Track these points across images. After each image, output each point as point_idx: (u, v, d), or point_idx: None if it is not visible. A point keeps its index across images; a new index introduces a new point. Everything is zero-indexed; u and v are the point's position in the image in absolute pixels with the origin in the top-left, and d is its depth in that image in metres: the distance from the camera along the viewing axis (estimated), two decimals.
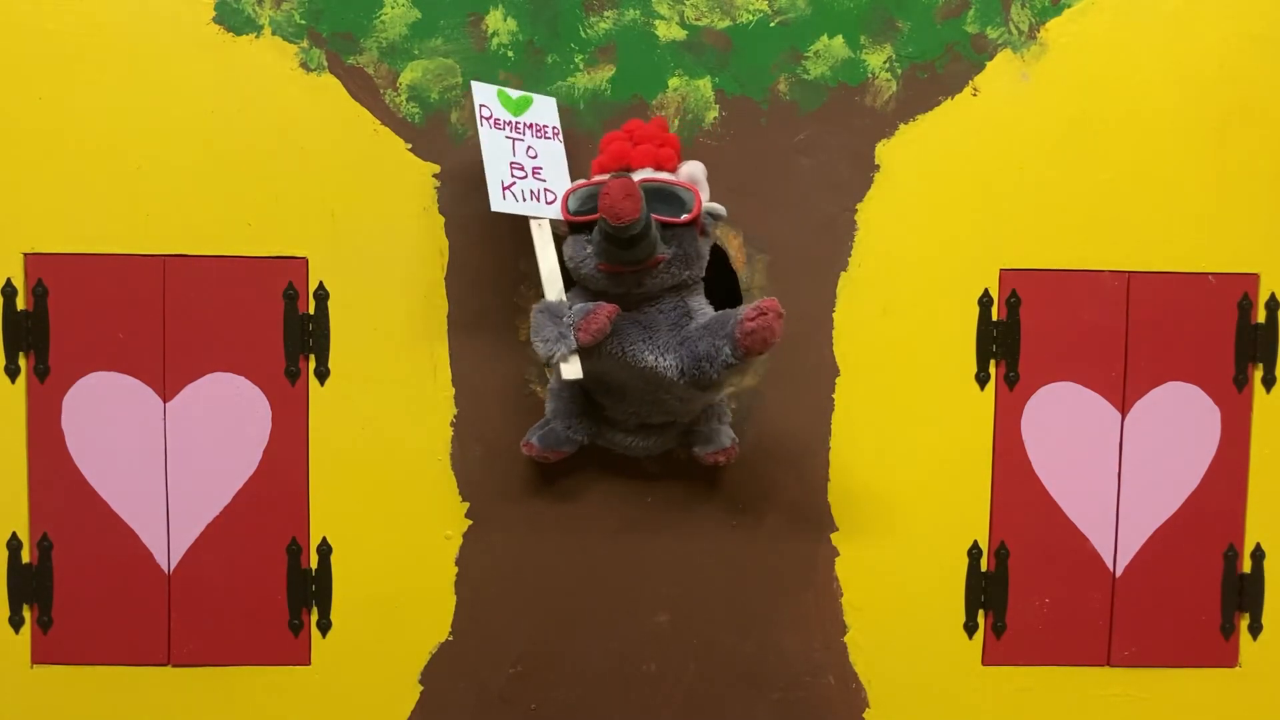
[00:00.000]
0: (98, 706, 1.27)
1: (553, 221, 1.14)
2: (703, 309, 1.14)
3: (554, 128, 1.20)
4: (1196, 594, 1.31)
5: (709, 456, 1.21)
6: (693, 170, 1.13)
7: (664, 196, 1.09)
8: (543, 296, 1.11)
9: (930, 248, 1.27)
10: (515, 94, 1.19)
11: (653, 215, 1.04)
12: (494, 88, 1.18)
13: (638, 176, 1.09)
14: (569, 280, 1.14)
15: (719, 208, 1.15)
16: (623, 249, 1.03)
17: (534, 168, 1.16)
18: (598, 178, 1.13)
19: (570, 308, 1.07)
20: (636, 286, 1.09)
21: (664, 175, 1.11)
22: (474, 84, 1.17)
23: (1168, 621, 1.31)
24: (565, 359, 1.05)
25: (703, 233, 1.13)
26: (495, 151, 1.14)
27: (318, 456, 1.26)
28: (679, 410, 1.17)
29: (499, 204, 1.13)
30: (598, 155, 1.16)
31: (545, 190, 1.15)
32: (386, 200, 1.24)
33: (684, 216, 1.09)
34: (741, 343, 1.01)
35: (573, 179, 1.19)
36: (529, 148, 1.17)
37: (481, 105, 1.15)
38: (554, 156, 1.19)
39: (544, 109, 1.20)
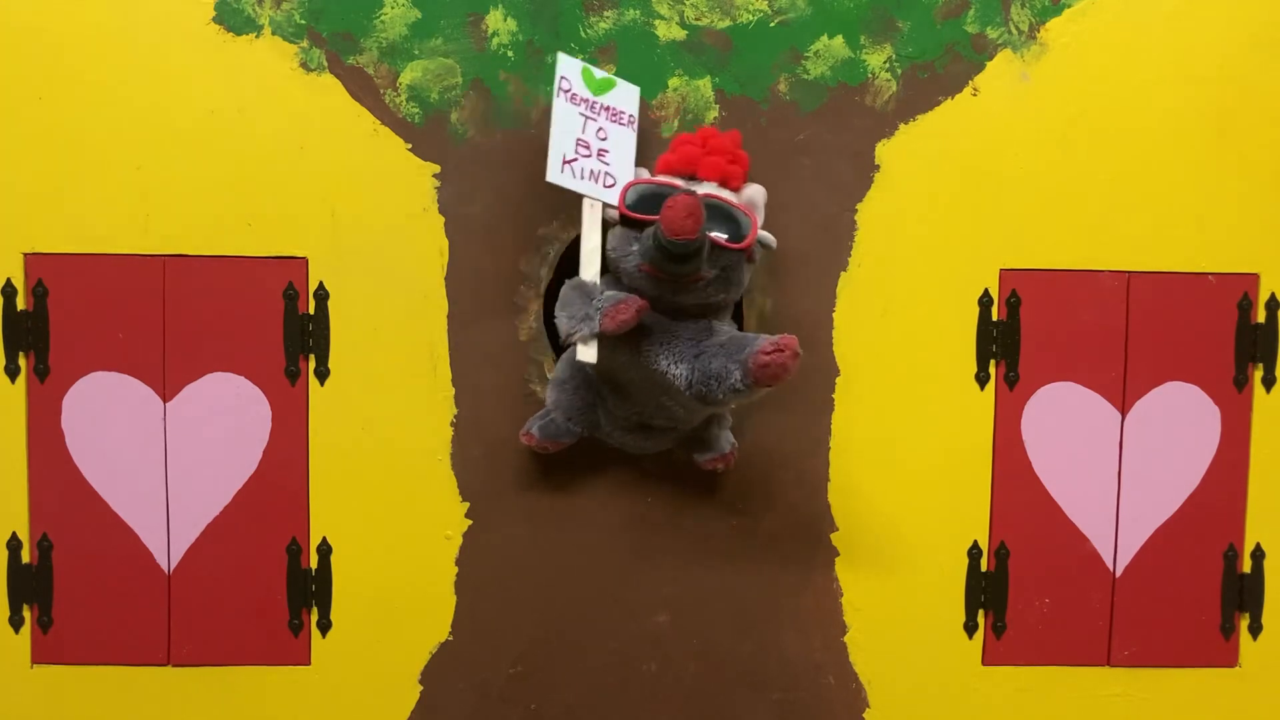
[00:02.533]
0: (98, 706, 1.27)
1: (604, 206, 1.14)
2: (724, 329, 1.13)
3: (630, 115, 1.20)
4: (1196, 594, 1.31)
5: (707, 462, 1.21)
6: (753, 195, 1.13)
7: (723, 216, 1.09)
8: (574, 276, 1.11)
9: (930, 248, 1.27)
10: (599, 74, 1.18)
11: (708, 234, 1.04)
12: (580, 63, 1.17)
13: (702, 189, 1.09)
14: (604, 268, 1.13)
15: (771, 239, 1.14)
16: (672, 262, 1.03)
17: (600, 149, 1.15)
18: (661, 178, 1.13)
19: (602, 292, 1.07)
20: (672, 295, 1.09)
21: (726, 194, 1.11)
22: (560, 55, 1.16)
23: (1168, 621, 1.31)
24: (585, 340, 1.05)
25: (750, 259, 1.13)
26: (565, 124, 1.14)
27: (318, 456, 1.26)
28: (681, 418, 1.17)
29: (556, 176, 1.12)
30: (665, 151, 1.16)
31: (606, 174, 1.15)
32: (386, 200, 1.24)
33: (739, 243, 1.09)
34: (753, 373, 1.01)
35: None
36: (600, 129, 1.16)
37: (563, 78, 1.15)
38: (623, 143, 1.18)
39: (625, 95, 1.20)
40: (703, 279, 1.08)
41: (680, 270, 1.05)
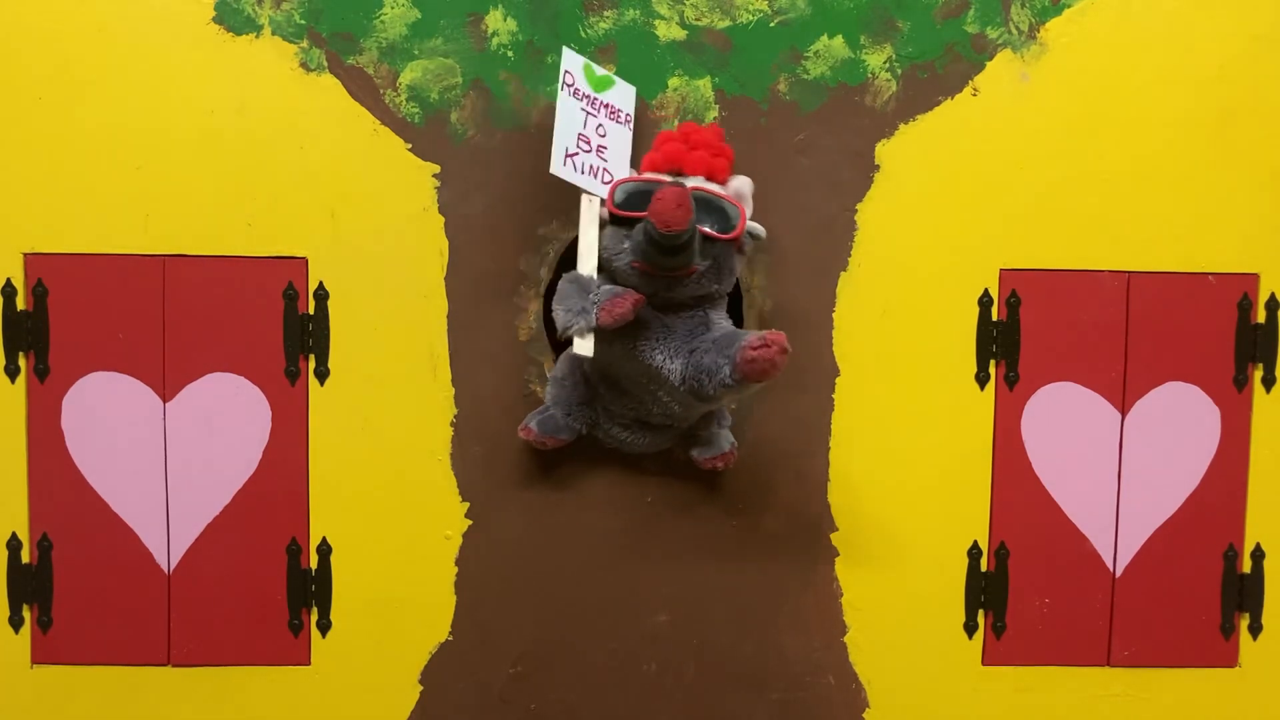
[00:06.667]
0: (98, 706, 1.27)
1: (600, 202, 1.15)
2: (720, 323, 1.14)
3: (627, 114, 1.21)
4: (1196, 594, 1.31)
5: (707, 461, 1.21)
6: (740, 186, 1.13)
7: (711, 208, 1.09)
8: (572, 271, 1.12)
9: (930, 248, 1.27)
10: (600, 71, 1.20)
11: (697, 227, 1.05)
12: (582, 60, 1.19)
13: (689, 183, 1.09)
14: (600, 266, 1.14)
15: (760, 229, 1.15)
16: (662, 255, 1.04)
17: (599, 145, 1.17)
18: (648, 175, 1.13)
19: (599, 286, 1.08)
20: (665, 290, 1.09)
21: (714, 186, 1.11)
22: (565, 50, 1.17)
23: (1168, 621, 1.31)
24: (582, 334, 1.06)
25: (740, 250, 1.14)
26: (568, 118, 1.15)
27: (318, 456, 1.26)
28: (678, 414, 1.17)
29: (559, 169, 1.13)
30: (649, 151, 1.16)
31: (604, 170, 1.16)
32: (386, 200, 1.24)
33: (728, 234, 1.09)
34: (740, 368, 1.01)
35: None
36: (599, 126, 1.17)
37: (567, 72, 1.16)
38: (620, 141, 1.19)
39: (623, 94, 1.21)
40: (695, 271, 1.08)
41: (672, 263, 1.05)
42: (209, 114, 1.22)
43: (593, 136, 1.16)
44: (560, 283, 1.11)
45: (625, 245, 1.09)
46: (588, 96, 1.17)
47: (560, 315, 1.07)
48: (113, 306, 1.23)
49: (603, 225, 1.15)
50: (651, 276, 1.08)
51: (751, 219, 1.14)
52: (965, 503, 1.29)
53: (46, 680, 1.27)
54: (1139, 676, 1.32)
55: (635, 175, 1.16)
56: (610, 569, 1.28)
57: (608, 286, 1.08)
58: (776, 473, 1.28)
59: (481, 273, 1.25)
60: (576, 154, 1.14)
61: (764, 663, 1.30)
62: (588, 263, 1.12)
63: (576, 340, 1.06)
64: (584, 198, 1.14)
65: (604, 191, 1.15)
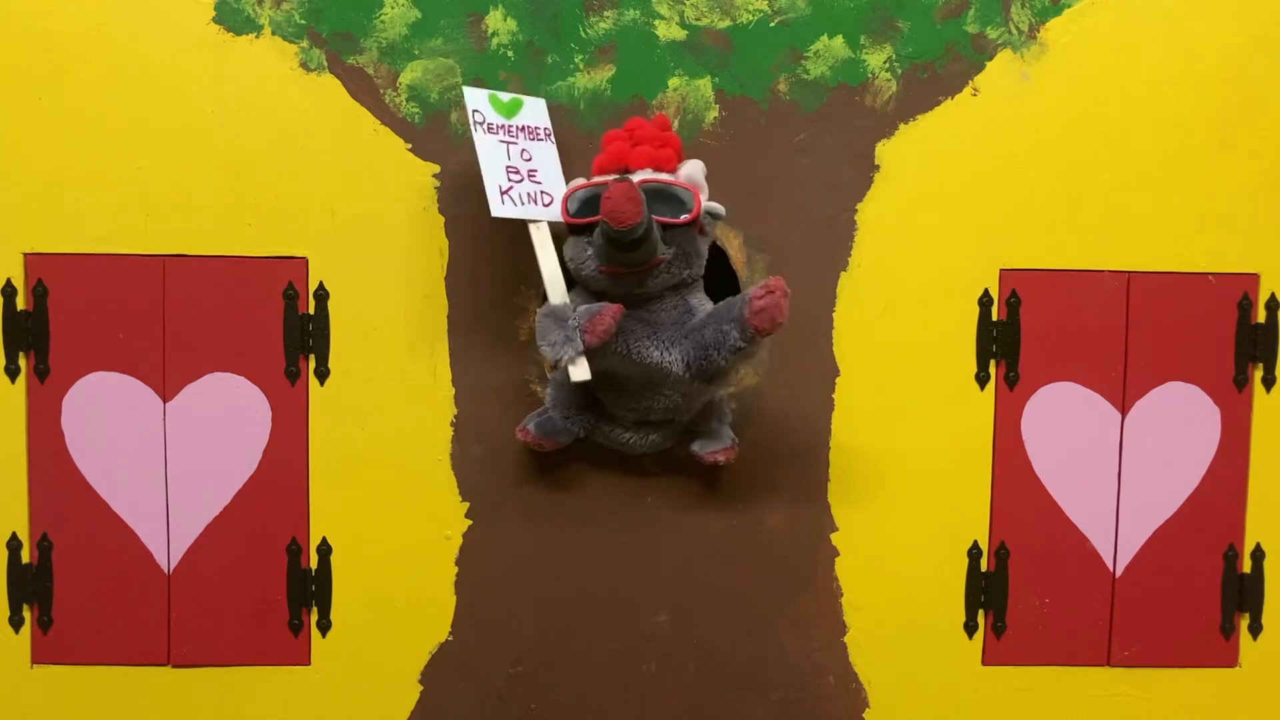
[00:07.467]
0: (98, 706, 1.27)
1: (552, 223, 1.14)
2: (703, 306, 1.15)
3: (545, 129, 1.20)
4: (1196, 594, 1.31)
5: (709, 456, 1.21)
6: (692, 171, 1.13)
7: (664, 197, 1.09)
8: (544, 299, 1.11)
9: (930, 248, 1.27)
10: (506, 97, 1.19)
11: (653, 217, 1.05)
12: (485, 92, 1.17)
13: (637, 177, 1.09)
14: (570, 281, 1.14)
15: (718, 207, 1.15)
16: (624, 251, 1.04)
17: (529, 170, 1.16)
18: (597, 179, 1.13)
19: (574, 310, 1.07)
20: (638, 287, 1.10)
21: (663, 176, 1.11)
22: (466, 89, 1.16)
23: (1168, 621, 1.31)
24: (573, 362, 1.05)
25: (701, 232, 1.14)
26: (491, 156, 1.14)
27: (318, 456, 1.26)
28: (680, 407, 1.17)
29: (498, 209, 1.12)
30: (598, 153, 1.16)
31: (541, 193, 1.15)
32: (386, 200, 1.24)
33: (683, 217, 1.09)
34: (750, 321, 1.02)
35: (570, 180, 1.19)
36: (523, 150, 1.17)
37: (474, 111, 1.15)
38: (547, 158, 1.19)
39: (534, 111, 1.20)
40: (661, 261, 1.08)
41: (635, 258, 1.05)
42: (209, 114, 1.22)
43: (520, 164, 1.15)
44: (537, 319, 1.10)
45: (588, 252, 1.10)
46: (502, 126, 1.16)
47: (547, 351, 1.06)
48: (113, 306, 1.23)
49: (563, 241, 1.14)
50: (620, 276, 1.08)
51: (712, 200, 1.14)
52: (965, 503, 1.29)
53: (46, 680, 1.27)
54: (1139, 676, 1.32)
55: (584, 182, 1.15)
56: (610, 569, 1.28)
57: (584, 306, 1.07)
58: (776, 473, 1.28)
59: (481, 273, 1.25)
60: (510, 188, 1.13)
61: (764, 663, 1.30)
62: (556, 291, 1.10)
63: (571, 370, 1.06)
64: (531, 227, 1.13)
65: (550, 214, 1.14)
